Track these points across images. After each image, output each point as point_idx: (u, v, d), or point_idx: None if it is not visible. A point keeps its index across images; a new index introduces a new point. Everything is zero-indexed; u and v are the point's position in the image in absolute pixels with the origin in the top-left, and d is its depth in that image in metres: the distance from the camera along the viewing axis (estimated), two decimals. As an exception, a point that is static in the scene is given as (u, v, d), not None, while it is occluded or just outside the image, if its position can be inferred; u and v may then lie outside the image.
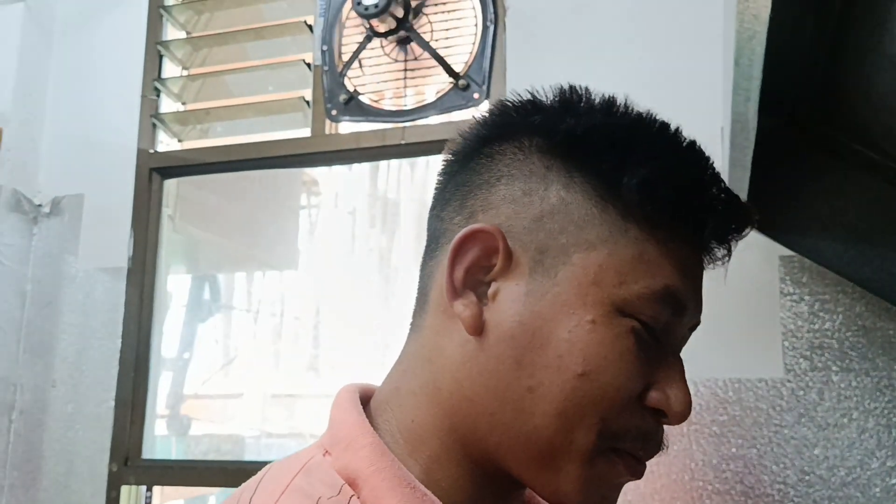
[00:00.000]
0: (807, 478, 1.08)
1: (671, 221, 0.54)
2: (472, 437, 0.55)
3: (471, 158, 0.60)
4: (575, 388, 0.51)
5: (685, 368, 0.56)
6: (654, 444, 0.55)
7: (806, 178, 1.07)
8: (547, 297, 0.53)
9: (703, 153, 0.58)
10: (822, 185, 1.08)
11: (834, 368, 1.10)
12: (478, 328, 0.54)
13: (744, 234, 0.58)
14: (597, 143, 0.55)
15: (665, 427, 0.56)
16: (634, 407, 0.53)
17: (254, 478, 0.56)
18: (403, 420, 0.57)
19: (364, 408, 0.58)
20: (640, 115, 0.58)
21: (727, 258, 0.59)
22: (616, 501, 0.57)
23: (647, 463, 0.56)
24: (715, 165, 0.57)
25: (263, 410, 2.52)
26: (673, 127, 0.58)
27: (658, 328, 0.54)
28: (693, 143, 0.58)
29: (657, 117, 0.58)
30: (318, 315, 2.52)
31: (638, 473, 0.55)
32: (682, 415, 0.54)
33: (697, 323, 0.59)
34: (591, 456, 0.52)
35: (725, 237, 0.58)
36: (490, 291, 0.55)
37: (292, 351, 2.51)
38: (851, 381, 1.09)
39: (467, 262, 0.55)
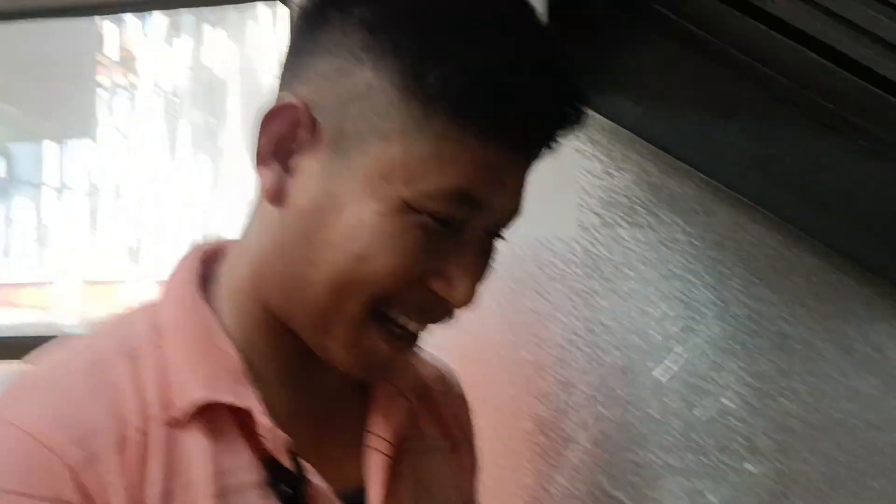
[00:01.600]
0: (593, 327, 1.13)
1: (474, 119, 0.52)
2: (272, 303, 0.59)
3: (307, 23, 0.58)
4: (351, 268, 0.53)
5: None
6: (429, 317, 0.58)
7: (600, 34, 1.07)
8: (339, 179, 0.54)
9: (526, 37, 0.54)
10: (616, 42, 1.09)
11: (623, 224, 1.14)
12: (276, 198, 0.56)
13: (560, 130, 0.55)
14: (407, 30, 0.53)
15: None
16: (413, 286, 0.55)
17: None
18: (232, 283, 0.61)
19: (216, 265, 0.62)
20: None
21: (545, 151, 0.57)
22: (386, 372, 0.62)
23: (436, 319, 0.58)
24: (540, 47, 0.53)
25: (79, 298, 2.39)
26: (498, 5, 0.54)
27: (453, 222, 0.54)
28: (515, 24, 0.54)
29: None
30: (125, 192, 2.37)
31: (402, 342, 0.58)
32: (461, 305, 0.56)
33: (506, 218, 0.57)
34: (358, 322, 0.55)
35: (536, 134, 0.55)
36: (292, 163, 0.56)
37: (109, 233, 2.37)
38: (637, 235, 1.13)
39: (274, 133, 0.55)
